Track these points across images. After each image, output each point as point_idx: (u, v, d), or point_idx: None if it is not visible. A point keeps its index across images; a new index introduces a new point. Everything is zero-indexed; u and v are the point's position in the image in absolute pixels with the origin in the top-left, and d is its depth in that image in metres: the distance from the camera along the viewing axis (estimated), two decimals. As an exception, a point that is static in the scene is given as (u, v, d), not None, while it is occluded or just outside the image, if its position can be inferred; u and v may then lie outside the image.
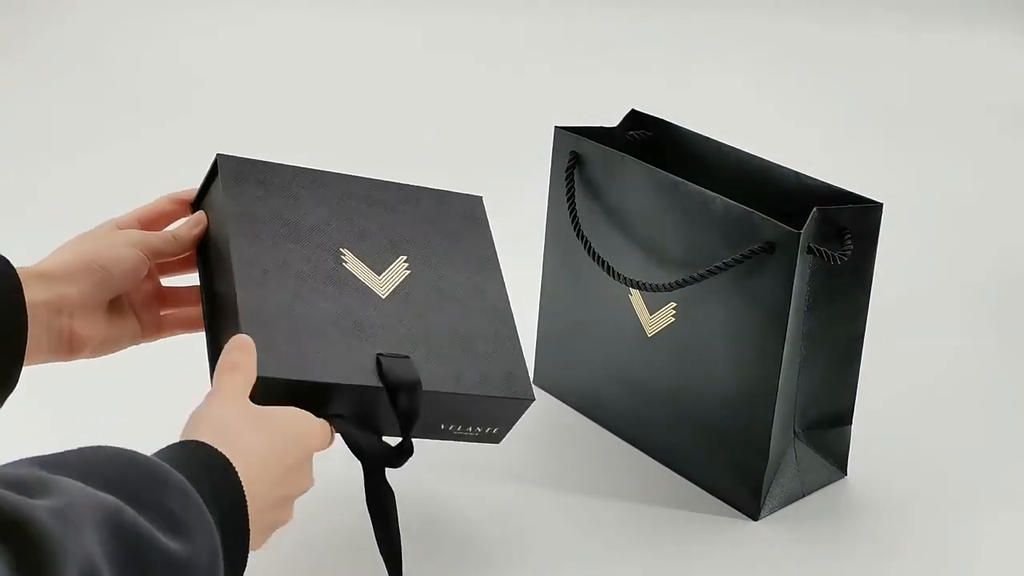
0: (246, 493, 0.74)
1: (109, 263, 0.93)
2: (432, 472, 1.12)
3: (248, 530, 0.74)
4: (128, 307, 0.98)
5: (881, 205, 1.10)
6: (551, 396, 1.28)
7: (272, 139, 1.88)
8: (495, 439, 1.02)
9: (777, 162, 1.18)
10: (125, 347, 0.99)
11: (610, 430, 1.23)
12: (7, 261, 0.89)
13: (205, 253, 1.00)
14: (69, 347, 0.93)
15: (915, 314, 1.52)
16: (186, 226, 0.99)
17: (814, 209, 1.06)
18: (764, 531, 1.10)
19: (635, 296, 1.17)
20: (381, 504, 0.93)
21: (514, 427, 1.01)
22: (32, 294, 0.89)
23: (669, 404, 1.16)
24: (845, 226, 1.08)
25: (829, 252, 1.06)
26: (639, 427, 1.20)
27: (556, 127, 1.23)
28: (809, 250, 1.05)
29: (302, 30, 2.47)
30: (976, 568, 1.08)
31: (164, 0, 2.54)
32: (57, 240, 0.96)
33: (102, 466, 0.66)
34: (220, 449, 0.75)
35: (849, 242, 1.07)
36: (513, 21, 2.53)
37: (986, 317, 1.54)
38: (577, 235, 1.19)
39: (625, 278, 1.15)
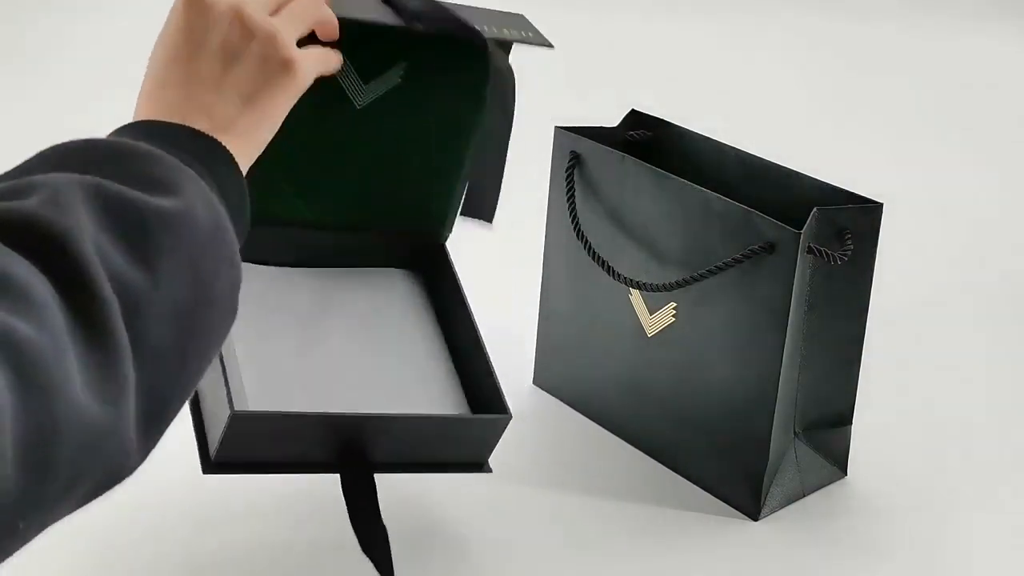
0: (195, 125, 0.71)
1: None
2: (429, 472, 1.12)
3: (227, 154, 0.71)
4: None
5: (881, 205, 1.10)
6: (551, 396, 1.28)
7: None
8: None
9: (777, 162, 1.18)
10: None
11: (610, 430, 1.23)
12: None
13: None
14: None
15: (915, 314, 1.52)
16: None
17: (814, 209, 1.06)
18: (764, 531, 1.10)
19: (635, 296, 1.17)
20: (363, 501, 0.93)
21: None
22: None
23: (669, 404, 1.16)
24: (845, 226, 1.08)
25: (829, 252, 1.06)
26: (639, 427, 1.20)
27: (556, 127, 1.23)
28: (809, 250, 1.05)
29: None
30: (975, 568, 1.08)
31: None
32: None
33: (66, 157, 0.65)
34: (156, 117, 0.72)
35: (849, 242, 1.07)
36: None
37: (986, 317, 1.54)
38: (577, 235, 1.19)
39: (625, 278, 1.15)
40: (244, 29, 0.75)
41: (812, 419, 1.14)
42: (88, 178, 0.62)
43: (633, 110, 1.27)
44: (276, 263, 1.07)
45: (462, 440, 0.99)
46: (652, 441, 1.19)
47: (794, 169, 1.16)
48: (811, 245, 1.05)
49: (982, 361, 1.43)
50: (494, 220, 1.00)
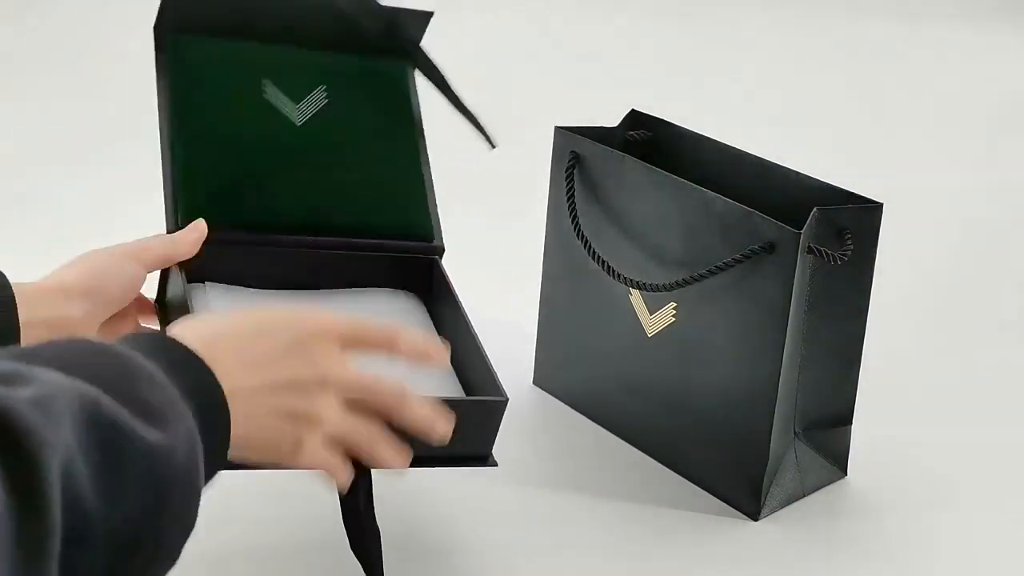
0: (216, 372, 0.71)
1: (111, 281, 0.95)
2: (429, 471, 1.11)
3: (226, 409, 0.70)
4: (122, 317, 1.00)
5: (881, 205, 1.10)
6: (551, 396, 1.28)
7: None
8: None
9: (777, 162, 1.18)
10: None
11: (610, 430, 1.23)
12: (4, 277, 0.89)
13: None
14: None
15: (915, 314, 1.52)
16: (185, 231, 1.02)
17: (814, 209, 1.06)
18: (764, 531, 1.10)
19: (635, 296, 1.17)
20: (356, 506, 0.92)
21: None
22: (33, 311, 0.90)
23: (669, 404, 1.16)
24: (845, 226, 1.08)
25: (829, 252, 1.06)
26: (639, 427, 1.20)
27: (556, 127, 1.23)
28: (809, 250, 1.05)
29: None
30: (975, 568, 1.08)
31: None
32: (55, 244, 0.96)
33: (77, 357, 0.64)
34: (185, 343, 0.71)
35: (849, 242, 1.07)
36: (513, 20, 2.53)
37: (986, 317, 1.54)
38: (577, 235, 1.19)
39: (625, 278, 1.15)
40: (313, 390, 0.77)
41: (812, 419, 1.14)
42: (91, 392, 0.61)
43: (633, 110, 1.27)
44: (272, 286, 1.08)
45: (461, 427, 0.98)
46: (652, 441, 1.19)
47: (794, 169, 1.16)
48: (811, 245, 1.05)
49: (982, 361, 1.43)
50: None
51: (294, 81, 1.11)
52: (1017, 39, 2.73)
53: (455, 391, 1.03)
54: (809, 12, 2.77)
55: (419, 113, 1.16)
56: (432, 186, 1.15)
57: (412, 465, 0.96)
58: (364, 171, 1.12)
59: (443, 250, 1.13)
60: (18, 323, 0.88)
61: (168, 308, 1.03)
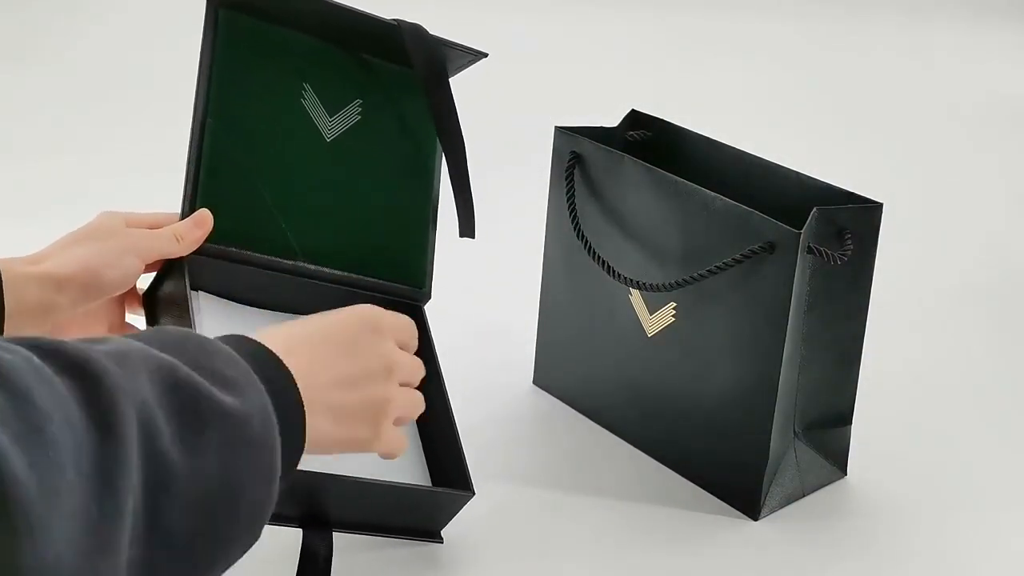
0: (291, 370, 0.73)
1: (107, 275, 0.94)
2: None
3: (299, 400, 0.73)
4: (108, 304, 0.99)
5: (881, 205, 1.10)
6: (551, 396, 1.28)
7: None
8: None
9: (777, 162, 1.18)
10: None
11: (610, 430, 1.23)
12: None
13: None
14: None
15: (915, 314, 1.52)
16: (188, 226, 0.99)
17: (814, 209, 1.06)
18: (764, 531, 1.10)
19: (635, 296, 1.17)
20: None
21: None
22: (23, 293, 0.89)
23: (669, 404, 1.16)
24: (845, 226, 1.08)
25: (829, 252, 1.06)
26: (639, 427, 1.20)
27: (556, 127, 1.23)
28: (809, 250, 1.05)
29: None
30: (976, 568, 1.08)
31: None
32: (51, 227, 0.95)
33: (153, 335, 0.67)
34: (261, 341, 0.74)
35: (849, 242, 1.07)
36: (513, 20, 2.53)
37: (986, 317, 1.54)
38: (577, 235, 1.19)
39: (625, 278, 1.15)
40: (383, 378, 0.83)
41: (812, 419, 1.14)
42: (166, 358, 0.64)
43: (633, 110, 1.27)
44: (261, 305, 1.07)
45: (420, 509, 1.00)
46: (652, 441, 1.19)
47: (794, 169, 1.16)
48: (811, 245, 1.05)
49: (982, 361, 1.43)
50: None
51: (333, 89, 1.07)
52: (1019, 38, 2.73)
53: (422, 472, 1.04)
54: (809, 12, 2.77)
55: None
56: (435, 230, 1.13)
57: (367, 532, 0.98)
58: (375, 208, 1.09)
59: (429, 296, 1.12)
60: (3, 307, 0.87)
61: (159, 302, 1.01)
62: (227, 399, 0.65)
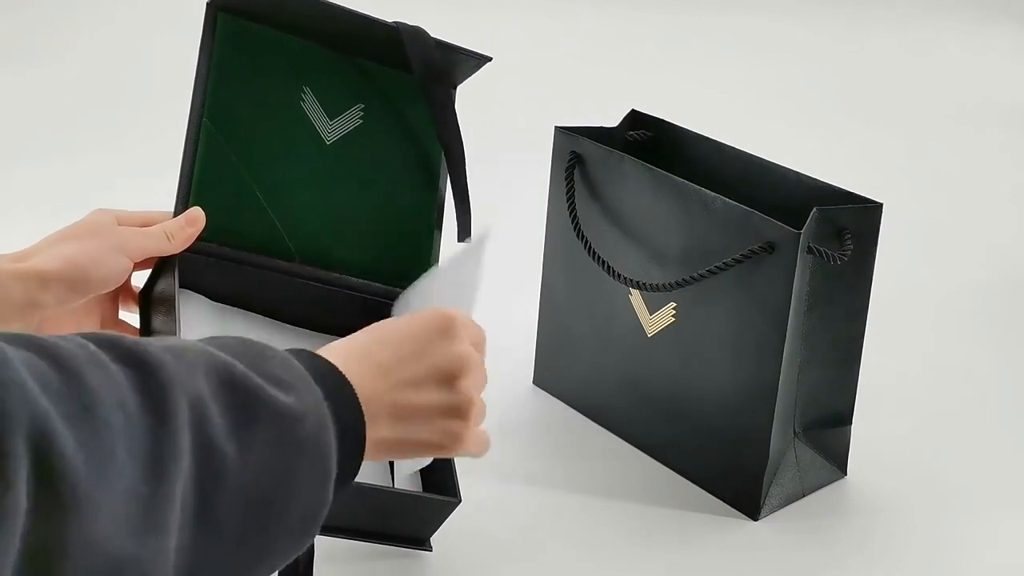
0: (349, 373, 0.72)
1: (94, 272, 0.93)
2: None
3: (357, 402, 0.71)
4: (101, 300, 0.99)
5: (881, 205, 1.10)
6: (551, 396, 1.28)
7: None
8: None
9: (777, 162, 1.18)
10: None
11: (610, 430, 1.23)
12: None
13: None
14: None
15: (915, 314, 1.52)
16: (179, 224, 0.99)
17: (814, 209, 1.06)
18: (764, 531, 1.10)
19: (635, 296, 1.17)
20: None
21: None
22: (7, 290, 0.88)
23: (669, 404, 1.16)
24: (845, 226, 1.08)
25: (829, 252, 1.06)
26: (639, 427, 1.20)
27: (556, 127, 1.23)
28: (809, 250, 1.05)
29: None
30: (975, 568, 1.08)
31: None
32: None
33: (215, 339, 0.68)
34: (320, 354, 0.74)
35: (849, 242, 1.07)
36: (513, 20, 2.53)
37: (986, 317, 1.54)
38: (577, 235, 1.19)
39: (625, 278, 1.15)
40: (462, 380, 0.79)
41: (812, 419, 1.14)
42: (223, 356, 0.64)
43: (633, 110, 1.27)
44: (256, 309, 1.07)
45: (404, 514, 0.99)
46: (652, 441, 1.19)
47: (794, 169, 1.16)
48: (811, 245, 1.05)
49: (982, 361, 1.43)
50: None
51: (334, 93, 1.07)
52: (1019, 38, 2.73)
53: (413, 477, 1.04)
54: (809, 12, 2.77)
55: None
56: (440, 234, 1.12)
57: (355, 538, 0.97)
58: (376, 211, 1.09)
59: None
60: None
61: (153, 302, 1.01)
62: (282, 397, 0.65)
